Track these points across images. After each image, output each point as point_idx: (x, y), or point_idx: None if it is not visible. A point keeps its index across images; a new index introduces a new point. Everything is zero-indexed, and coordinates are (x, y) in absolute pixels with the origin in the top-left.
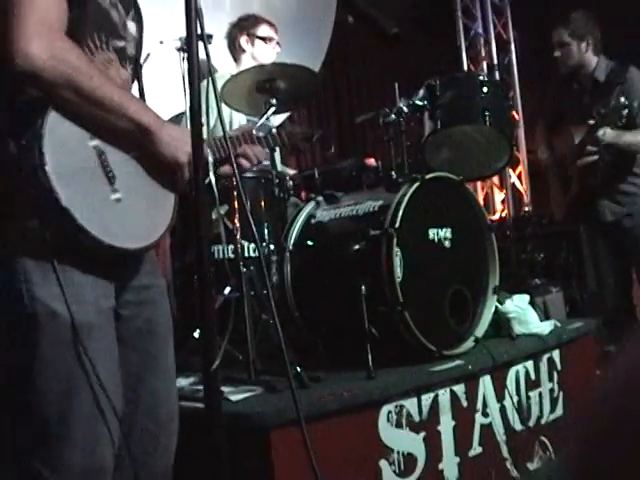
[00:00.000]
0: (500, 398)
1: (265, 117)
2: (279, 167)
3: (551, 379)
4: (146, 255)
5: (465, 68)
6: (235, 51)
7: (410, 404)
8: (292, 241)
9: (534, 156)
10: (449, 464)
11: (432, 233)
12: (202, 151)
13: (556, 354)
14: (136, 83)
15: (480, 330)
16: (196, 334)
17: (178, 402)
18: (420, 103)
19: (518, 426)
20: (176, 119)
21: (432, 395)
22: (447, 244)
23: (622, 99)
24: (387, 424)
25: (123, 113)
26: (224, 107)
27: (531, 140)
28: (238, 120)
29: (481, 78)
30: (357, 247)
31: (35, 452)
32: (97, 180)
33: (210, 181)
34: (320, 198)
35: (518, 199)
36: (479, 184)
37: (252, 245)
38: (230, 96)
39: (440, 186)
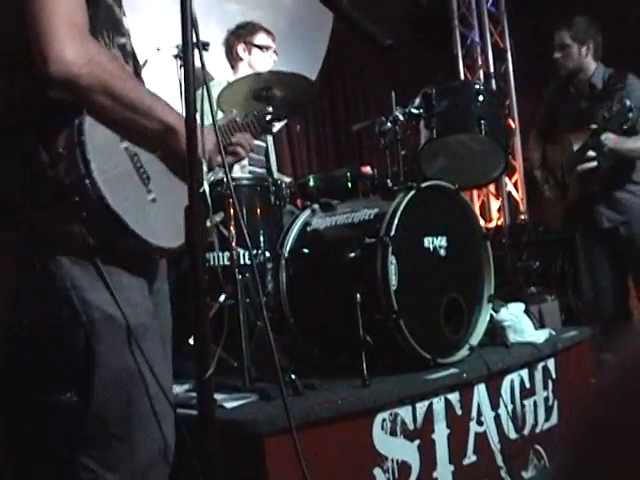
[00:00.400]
0: (495, 406)
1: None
2: (275, 175)
3: (546, 387)
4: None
5: (462, 76)
6: (232, 59)
7: (405, 412)
8: (288, 249)
9: (529, 164)
10: (443, 472)
11: (427, 241)
12: (197, 159)
13: (551, 363)
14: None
15: (475, 338)
16: (191, 341)
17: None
18: (416, 111)
19: (513, 434)
20: None
21: (427, 403)
22: (442, 252)
23: (627, 102)
24: (381, 432)
25: (153, 114)
26: (220, 114)
27: (527, 148)
28: None
29: (477, 87)
30: (352, 255)
31: (91, 453)
32: (135, 182)
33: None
34: (316, 206)
35: (514, 207)
36: (475, 192)
37: (252, 251)
38: (226, 103)
39: (436, 194)
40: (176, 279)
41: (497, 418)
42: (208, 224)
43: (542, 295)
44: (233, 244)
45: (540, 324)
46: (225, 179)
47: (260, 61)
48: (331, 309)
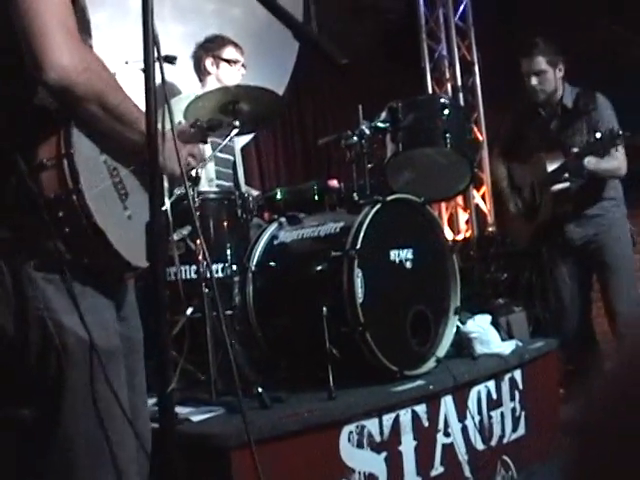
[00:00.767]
0: (462, 418)
1: (229, 138)
2: (243, 188)
3: (513, 398)
4: None
5: (430, 90)
6: (200, 72)
7: (371, 424)
8: (255, 262)
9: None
10: None
11: (393, 254)
12: (159, 176)
13: (518, 374)
14: None
15: (441, 350)
16: None
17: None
18: (382, 125)
19: (480, 445)
20: None
21: (393, 415)
22: (408, 265)
23: (614, 127)
24: (348, 444)
25: (138, 127)
26: None
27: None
28: None
29: (442, 100)
30: (319, 268)
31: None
32: (114, 198)
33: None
34: (283, 219)
35: (482, 219)
36: (443, 205)
37: (215, 266)
38: (194, 117)
39: (402, 208)
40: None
41: (464, 429)
42: (173, 238)
43: (510, 306)
44: (199, 257)
45: (508, 335)
46: (187, 192)
47: (228, 75)
48: (298, 322)
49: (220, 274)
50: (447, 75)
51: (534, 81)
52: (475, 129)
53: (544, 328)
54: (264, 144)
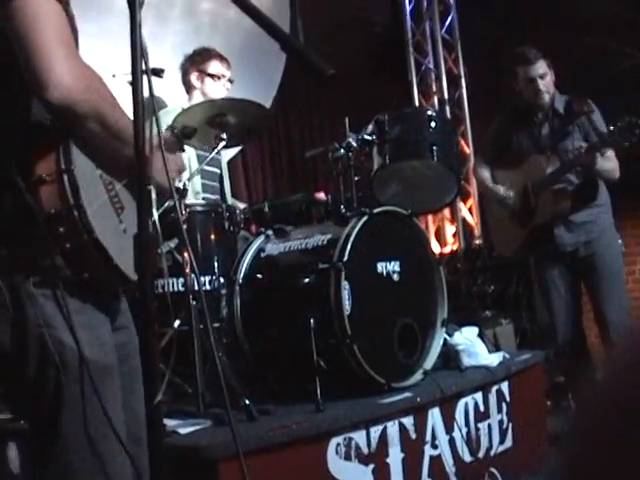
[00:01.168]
0: (449, 430)
1: (215, 151)
2: (229, 200)
3: (500, 410)
4: None
5: (417, 103)
6: (187, 86)
7: (359, 436)
8: (242, 274)
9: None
10: None
11: (381, 267)
12: (148, 189)
13: (505, 386)
14: None
15: (429, 362)
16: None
17: None
18: (369, 138)
19: (467, 457)
20: None
21: (381, 427)
22: (395, 277)
23: (633, 118)
24: (336, 456)
25: (132, 142)
26: None
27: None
28: (187, 155)
29: (429, 113)
30: (306, 280)
31: None
32: (111, 212)
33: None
34: (270, 232)
35: (469, 232)
36: (430, 217)
37: (202, 278)
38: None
39: (388, 220)
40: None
41: (452, 441)
42: (161, 250)
43: (497, 319)
44: (187, 270)
45: (495, 347)
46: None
47: (213, 90)
48: (285, 334)
49: (207, 287)
50: (434, 88)
51: (541, 84)
52: (462, 142)
53: (531, 340)
54: (251, 157)
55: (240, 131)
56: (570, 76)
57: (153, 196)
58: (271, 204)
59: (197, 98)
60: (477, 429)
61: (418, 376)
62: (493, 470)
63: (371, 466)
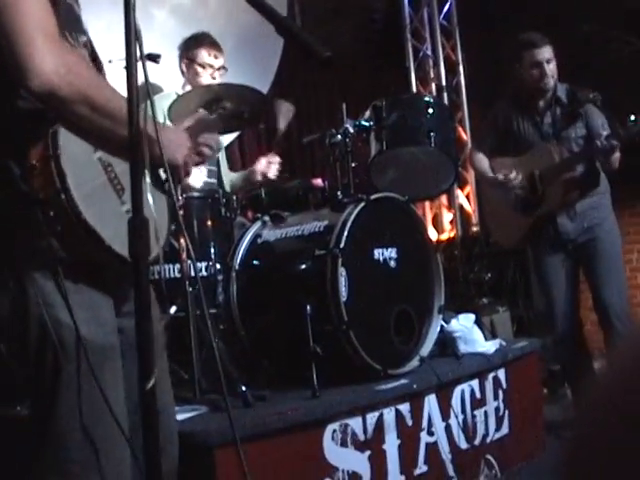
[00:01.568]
0: (445, 417)
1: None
2: (226, 174)
3: (496, 398)
4: None
5: (414, 89)
6: (180, 72)
7: (355, 423)
8: (238, 260)
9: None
10: None
11: (377, 253)
12: (142, 172)
13: (501, 373)
14: None
15: (425, 349)
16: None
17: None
18: (366, 124)
19: (464, 444)
20: None
21: (377, 414)
22: (392, 264)
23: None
24: (332, 443)
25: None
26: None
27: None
28: None
29: (426, 99)
30: (303, 267)
31: (51, 476)
32: (109, 194)
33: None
34: (267, 218)
35: (466, 219)
36: (428, 204)
37: (199, 264)
38: (177, 116)
39: (386, 206)
40: None
41: (448, 428)
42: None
43: (494, 306)
44: (183, 256)
45: (492, 335)
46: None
47: (200, 79)
48: (281, 320)
49: (204, 273)
50: (431, 75)
51: (547, 69)
52: (459, 129)
53: (527, 328)
54: (248, 143)
55: (236, 117)
56: (569, 64)
57: (163, 175)
58: (268, 190)
59: (187, 86)
60: (473, 416)
61: (414, 363)
62: (489, 457)
63: (367, 452)
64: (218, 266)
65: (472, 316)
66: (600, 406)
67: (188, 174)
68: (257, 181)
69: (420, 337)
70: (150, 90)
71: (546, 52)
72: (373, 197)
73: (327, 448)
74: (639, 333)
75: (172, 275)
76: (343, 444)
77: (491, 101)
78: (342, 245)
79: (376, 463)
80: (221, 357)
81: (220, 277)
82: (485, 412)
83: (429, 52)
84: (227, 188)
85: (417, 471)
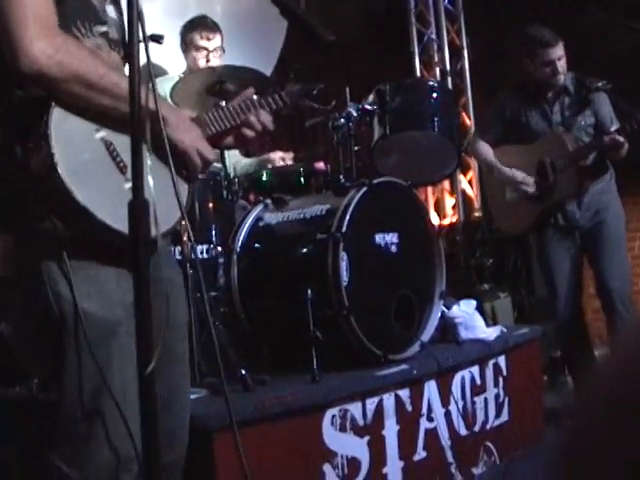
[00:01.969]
0: (445, 403)
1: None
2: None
3: (497, 384)
4: (161, 249)
5: (418, 74)
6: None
7: (354, 408)
8: (239, 243)
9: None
10: (393, 468)
11: (379, 238)
12: (142, 154)
13: (502, 359)
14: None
15: (426, 335)
16: None
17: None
18: (369, 108)
19: (463, 431)
20: None
21: (377, 399)
22: (394, 249)
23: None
24: (331, 428)
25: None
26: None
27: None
28: None
29: (430, 84)
30: (304, 251)
31: (58, 450)
32: (110, 172)
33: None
34: (268, 201)
35: (468, 204)
36: (430, 189)
37: (200, 247)
38: (180, 98)
39: (388, 191)
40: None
41: (447, 414)
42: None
43: (495, 292)
44: (184, 238)
45: (493, 321)
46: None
47: (195, 62)
48: (282, 304)
49: (205, 255)
50: (436, 59)
51: (559, 66)
52: (463, 114)
53: (529, 314)
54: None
55: None
56: (571, 52)
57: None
58: (270, 173)
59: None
60: (473, 403)
61: (415, 348)
62: (488, 444)
63: (366, 438)
64: (219, 249)
65: (473, 302)
66: (601, 396)
67: (205, 166)
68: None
69: (421, 323)
70: (152, 71)
71: (559, 50)
72: (375, 181)
73: (326, 433)
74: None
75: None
76: (342, 429)
77: (495, 86)
78: (344, 229)
79: (375, 448)
80: (221, 341)
81: (221, 260)
82: (485, 399)
83: (433, 36)
84: (231, 171)
85: (416, 457)
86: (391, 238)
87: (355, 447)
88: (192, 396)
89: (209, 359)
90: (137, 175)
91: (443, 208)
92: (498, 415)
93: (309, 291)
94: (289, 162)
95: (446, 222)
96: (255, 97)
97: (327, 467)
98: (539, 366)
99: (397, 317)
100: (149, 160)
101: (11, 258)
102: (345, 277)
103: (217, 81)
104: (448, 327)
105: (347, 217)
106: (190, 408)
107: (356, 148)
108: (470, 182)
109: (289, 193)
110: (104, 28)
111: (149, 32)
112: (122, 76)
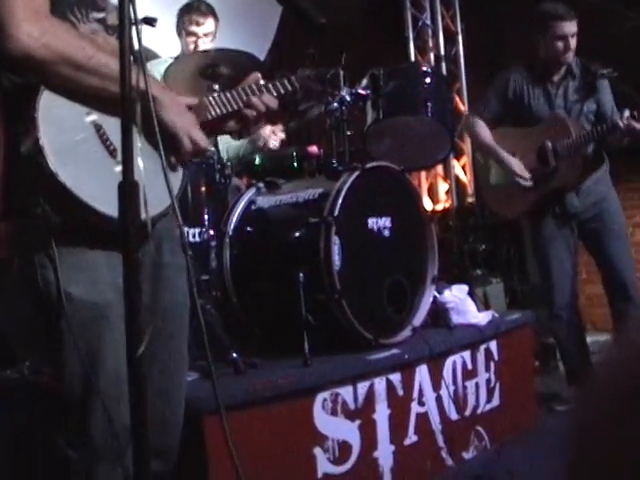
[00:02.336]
0: (436, 387)
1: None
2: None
3: (488, 369)
4: (164, 233)
5: (412, 59)
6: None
7: (346, 392)
8: (232, 227)
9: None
10: (384, 452)
11: (371, 222)
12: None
13: (493, 344)
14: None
15: (418, 319)
16: None
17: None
18: (363, 92)
19: (454, 415)
20: None
21: (368, 383)
22: (386, 233)
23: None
24: (322, 412)
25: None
26: None
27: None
28: None
29: (424, 69)
30: (296, 234)
31: (62, 434)
32: (99, 155)
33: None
34: (261, 185)
35: (462, 190)
36: (423, 174)
37: (192, 230)
38: (173, 81)
39: (381, 175)
40: None
41: (439, 399)
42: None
43: (487, 278)
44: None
45: (485, 306)
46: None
47: (187, 47)
48: (274, 288)
49: (197, 239)
50: (430, 44)
51: (572, 42)
52: (457, 99)
53: (521, 300)
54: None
55: (232, 82)
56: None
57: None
58: (263, 157)
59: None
60: (464, 387)
61: (407, 333)
62: (479, 428)
63: (357, 422)
64: (211, 232)
65: (465, 287)
66: (606, 393)
67: (196, 152)
68: (260, 146)
69: (413, 307)
70: (142, 55)
71: (573, 27)
72: (368, 166)
73: (317, 417)
74: None
75: None
76: (333, 413)
77: (489, 71)
78: (336, 213)
79: (366, 432)
80: (213, 324)
81: (213, 243)
82: (476, 383)
83: (428, 21)
84: (224, 155)
85: (407, 441)
86: (384, 222)
87: (346, 431)
88: None
89: (200, 342)
90: (126, 156)
91: (436, 193)
92: (489, 400)
93: (301, 275)
94: (280, 135)
95: (439, 207)
96: (262, 82)
97: (318, 450)
98: (531, 351)
99: (389, 301)
100: (139, 142)
101: (6, 243)
102: (337, 261)
103: (210, 64)
104: (440, 312)
105: (339, 201)
106: (184, 395)
107: (349, 132)
108: (464, 167)
109: (282, 177)
110: (101, 14)
111: (143, 15)
112: (112, 57)
